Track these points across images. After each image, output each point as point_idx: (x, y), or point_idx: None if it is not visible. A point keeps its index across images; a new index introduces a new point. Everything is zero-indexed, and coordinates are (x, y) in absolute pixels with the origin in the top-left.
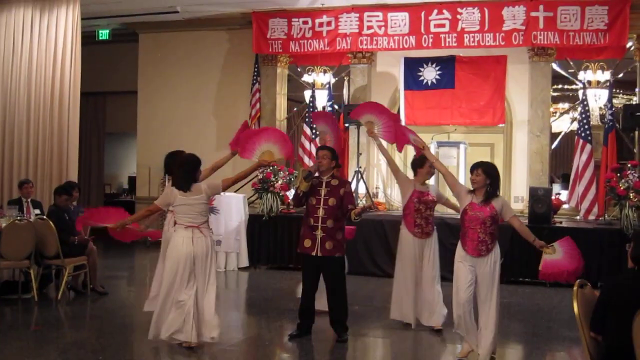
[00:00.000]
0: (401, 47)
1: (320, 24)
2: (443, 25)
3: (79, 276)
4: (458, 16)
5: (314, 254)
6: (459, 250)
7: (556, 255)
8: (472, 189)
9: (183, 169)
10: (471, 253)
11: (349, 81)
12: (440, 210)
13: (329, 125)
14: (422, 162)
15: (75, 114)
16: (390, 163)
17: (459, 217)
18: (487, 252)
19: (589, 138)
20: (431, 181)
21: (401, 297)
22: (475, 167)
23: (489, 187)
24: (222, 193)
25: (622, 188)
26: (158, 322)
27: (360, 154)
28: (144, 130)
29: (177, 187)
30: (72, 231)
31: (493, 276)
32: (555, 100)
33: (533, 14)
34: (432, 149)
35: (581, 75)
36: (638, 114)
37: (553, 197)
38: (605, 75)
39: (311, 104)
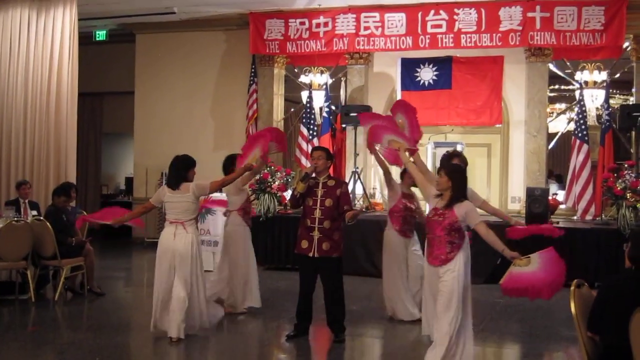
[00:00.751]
0: (398, 47)
1: (317, 25)
2: (440, 26)
3: (76, 277)
4: (455, 17)
5: (311, 254)
6: (425, 260)
7: (528, 268)
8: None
9: (174, 168)
10: (429, 262)
11: (346, 82)
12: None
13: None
14: (447, 162)
15: (72, 114)
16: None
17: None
18: (444, 262)
19: (586, 138)
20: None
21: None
22: (439, 169)
23: (451, 191)
24: (221, 194)
25: (619, 188)
26: (154, 313)
27: (358, 154)
28: (141, 130)
29: (167, 184)
30: (69, 232)
31: (455, 290)
32: (552, 100)
33: (530, 14)
34: (429, 149)
35: (578, 75)
36: (635, 114)
37: (550, 198)
38: (602, 76)
39: (308, 105)
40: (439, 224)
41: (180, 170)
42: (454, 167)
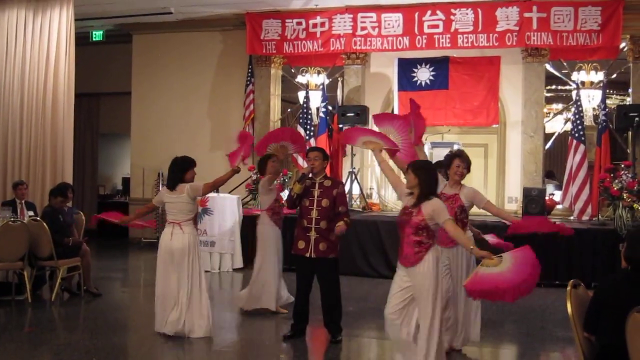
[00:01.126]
0: (395, 48)
1: (314, 25)
2: (437, 26)
3: (72, 277)
4: (452, 17)
5: (307, 255)
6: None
7: (497, 269)
8: None
9: (171, 169)
10: (400, 262)
11: (342, 82)
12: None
13: (393, 126)
14: (449, 162)
15: (69, 115)
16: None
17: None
18: (414, 263)
19: (583, 139)
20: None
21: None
22: (407, 167)
23: (418, 189)
24: (218, 194)
25: (615, 188)
26: (156, 314)
27: (354, 154)
28: (137, 131)
29: (166, 185)
30: (66, 233)
31: (428, 291)
32: (549, 100)
33: (526, 14)
34: (426, 149)
35: (574, 75)
36: (631, 114)
37: (547, 198)
38: (598, 76)
39: (305, 105)
40: (407, 223)
41: (177, 171)
42: (419, 164)
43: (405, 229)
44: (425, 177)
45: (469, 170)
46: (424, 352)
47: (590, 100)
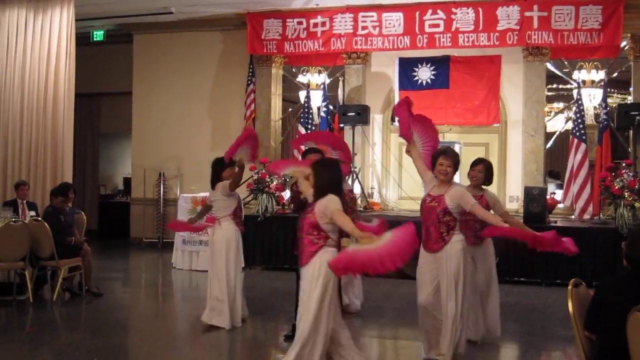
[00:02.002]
0: (396, 47)
1: (315, 25)
2: (437, 25)
3: (74, 277)
4: (452, 16)
5: None
6: None
7: (367, 246)
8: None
9: (211, 169)
10: (300, 262)
11: (343, 81)
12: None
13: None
14: (433, 160)
15: (69, 115)
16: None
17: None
18: (304, 263)
19: (584, 137)
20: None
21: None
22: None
23: (315, 186)
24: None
25: (616, 187)
26: None
27: (355, 154)
28: (138, 131)
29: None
30: (67, 233)
31: (308, 292)
32: (550, 99)
33: (527, 13)
34: None
35: (575, 74)
36: (632, 113)
37: (548, 197)
38: (599, 75)
39: (306, 105)
40: (302, 221)
41: (215, 170)
42: (318, 161)
43: (303, 227)
44: (321, 175)
45: (456, 169)
46: (294, 355)
47: (591, 99)
